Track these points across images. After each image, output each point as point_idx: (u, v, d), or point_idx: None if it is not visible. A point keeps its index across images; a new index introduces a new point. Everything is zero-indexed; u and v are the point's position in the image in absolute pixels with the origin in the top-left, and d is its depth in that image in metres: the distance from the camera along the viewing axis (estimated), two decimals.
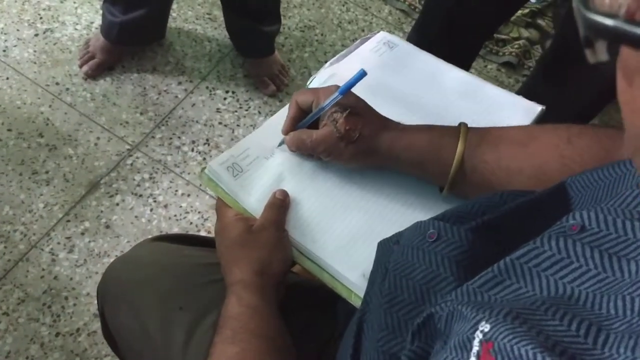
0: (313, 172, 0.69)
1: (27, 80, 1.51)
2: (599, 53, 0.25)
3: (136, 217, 1.35)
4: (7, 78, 1.51)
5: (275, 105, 1.60)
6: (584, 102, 1.29)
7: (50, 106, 1.48)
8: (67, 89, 1.51)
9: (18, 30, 1.60)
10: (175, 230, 1.35)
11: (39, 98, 1.49)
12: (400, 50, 0.84)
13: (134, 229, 1.34)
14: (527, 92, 1.08)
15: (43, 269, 1.25)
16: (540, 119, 0.77)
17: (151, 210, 1.37)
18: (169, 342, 0.66)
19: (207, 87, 1.59)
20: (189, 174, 1.44)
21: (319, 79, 0.78)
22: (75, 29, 1.63)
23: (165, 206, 1.38)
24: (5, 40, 1.57)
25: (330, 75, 0.78)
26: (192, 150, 1.48)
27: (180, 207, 1.39)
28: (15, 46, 1.56)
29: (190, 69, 1.61)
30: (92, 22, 1.65)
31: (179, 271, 0.72)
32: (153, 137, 1.48)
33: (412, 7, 1.89)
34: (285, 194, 0.66)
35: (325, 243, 0.64)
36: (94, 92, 1.52)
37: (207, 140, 1.50)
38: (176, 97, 1.56)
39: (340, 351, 0.56)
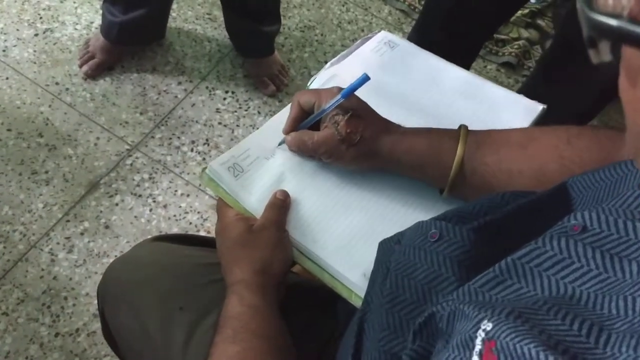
0: (314, 172, 0.69)
1: (26, 80, 1.51)
2: (603, 53, 0.25)
3: (136, 217, 1.35)
4: (7, 78, 1.50)
5: (275, 106, 1.60)
6: (583, 103, 1.29)
7: (50, 106, 1.48)
8: (67, 89, 1.51)
9: (18, 30, 1.60)
10: (175, 230, 1.35)
11: (38, 98, 1.49)
12: (401, 50, 0.84)
13: (134, 229, 1.34)
14: (526, 92, 1.08)
15: (42, 269, 1.25)
16: (541, 119, 0.78)
17: (150, 210, 1.37)
18: (169, 342, 0.66)
19: (206, 87, 1.59)
20: (188, 174, 1.44)
21: (320, 80, 0.78)
22: (75, 29, 1.63)
23: (165, 206, 1.38)
24: (5, 40, 1.57)
25: (331, 76, 0.78)
26: (192, 150, 1.48)
27: (180, 207, 1.39)
28: (15, 46, 1.56)
29: (190, 69, 1.61)
30: (92, 22, 1.65)
31: (179, 271, 0.72)
32: (153, 137, 1.48)
33: (412, 7, 1.89)
34: (286, 194, 0.66)
35: (326, 243, 0.64)
36: (93, 92, 1.52)
37: (207, 140, 1.50)
38: (176, 97, 1.56)
39: (341, 351, 0.56)
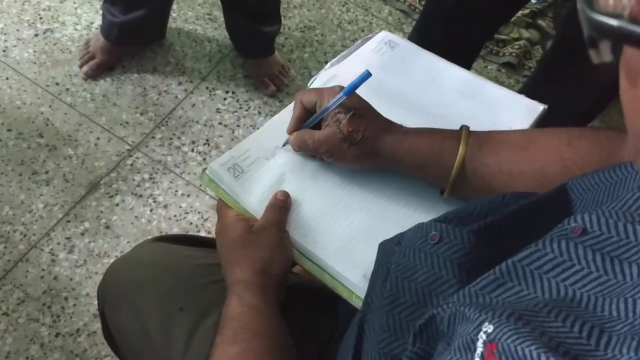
0: (314, 173, 0.69)
1: (27, 81, 1.51)
2: (603, 53, 0.25)
3: (136, 217, 1.35)
4: (7, 78, 1.50)
5: (275, 106, 1.60)
6: (584, 103, 1.29)
7: (50, 106, 1.48)
8: (67, 89, 1.51)
9: (18, 30, 1.60)
10: (175, 230, 1.35)
11: (38, 98, 1.49)
12: (401, 50, 0.84)
13: (134, 229, 1.34)
14: (527, 92, 1.08)
15: (43, 270, 1.25)
16: (542, 119, 0.78)
17: (151, 210, 1.37)
18: (169, 342, 0.66)
19: (207, 88, 1.59)
20: (189, 174, 1.44)
21: (320, 80, 0.78)
22: (75, 29, 1.63)
23: (165, 206, 1.38)
24: (5, 41, 1.57)
25: (332, 76, 0.78)
26: (192, 150, 1.48)
27: (180, 207, 1.39)
28: (15, 46, 1.56)
29: (191, 70, 1.61)
30: (92, 23, 1.65)
31: (179, 272, 0.72)
32: (153, 137, 1.48)
33: (412, 8, 1.89)
34: (286, 195, 0.66)
35: (326, 244, 0.64)
36: (94, 93, 1.52)
37: (207, 140, 1.50)
38: (176, 97, 1.56)
39: (341, 352, 0.56)
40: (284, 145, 0.70)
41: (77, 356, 1.17)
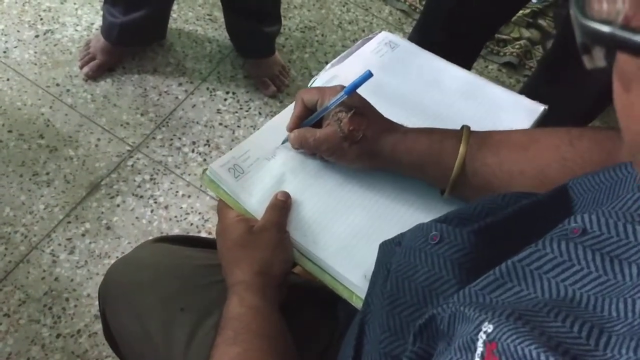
0: (314, 173, 0.69)
1: (27, 82, 1.51)
2: (597, 59, 0.25)
3: (137, 218, 1.35)
4: (8, 79, 1.51)
5: (276, 106, 1.60)
6: (585, 103, 1.29)
7: (50, 107, 1.48)
8: (68, 90, 1.51)
9: (18, 31, 1.60)
10: (176, 231, 1.36)
11: (39, 99, 1.49)
12: (401, 51, 0.84)
13: (135, 230, 1.34)
14: (528, 92, 1.08)
15: (44, 271, 1.26)
16: (542, 119, 0.77)
17: (152, 211, 1.37)
18: (170, 343, 0.66)
19: (207, 88, 1.59)
20: (189, 175, 1.44)
21: (320, 81, 0.78)
22: (76, 30, 1.63)
23: (166, 207, 1.38)
24: (6, 42, 1.57)
25: (332, 76, 0.78)
26: (193, 151, 1.48)
27: (181, 208, 1.39)
28: (15, 47, 1.57)
29: (191, 70, 1.61)
30: (92, 23, 1.65)
31: (180, 272, 0.72)
32: (154, 138, 1.48)
33: (413, 8, 1.89)
34: (287, 195, 0.66)
35: (327, 244, 0.64)
36: (94, 93, 1.52)
37: (208, 141, 1.50)
38: (177, 98, 1.56)
39: (342, 352, 0.56)
40: (283, 142, 0.70)
41: (78, 357, 1.17)
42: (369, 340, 0.50)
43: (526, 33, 1.87)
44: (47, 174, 1.38)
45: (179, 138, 1.49)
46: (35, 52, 1.57)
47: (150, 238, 0.85)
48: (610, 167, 0.47)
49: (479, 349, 0.33)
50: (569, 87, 1.24)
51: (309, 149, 0.68)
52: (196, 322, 0.67)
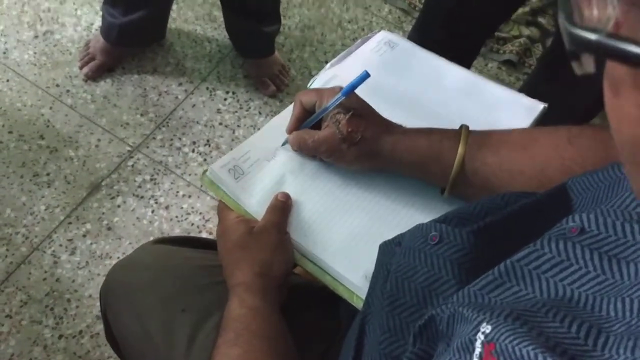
0: (314, 174, 0.69)
1: (27, 82, 1.51)
2: (586, 65, 0.25)
3: (138, 218, 1.36)
4: (8, 80, 1.51)
5: (276, 106, 1.60)
6: (585, 100, 1.29)
7: (50, 108, 1.48)
8: (68, 91, 1.52)
9: (18, 32, 1.60)
10: (177, 231, 1.36)
11: (39, 100, 1.49)
12: (401, 50, 0.84)
13: (136, 230, 1.34)
14: (528, 90, 1.08)
15: (45, 272, 1.26)
16: (542, 117, 0.77)
17: (152, 211, 1.37)
18: (171, 344, 0.67)
19: (207, 88, 1.59)
20: (189, 175, 1.44)
21: (320, 81, 0.78)
22: (75, 31, 1.63)
23: (167, 207, 1.38)
24: (5, 42, 1.57)
25: (332, 76, 0.78)
26: (193, 151, 1.48)
27: (182, 208, 1.39)
28: (15, 48, 1.57)
29: (191, 70, 1.61)
30: (91, 24, 1.65)
31: (180, 273, 0.72)
32: (154, 138, 1.48)
33: (412, 6, 1.89)
34: (287, 196, 0.66)
35: (327, 245, 0.64)
36: (94, 94, 1.52)
37: (208, 141, 1.50)
38: (176, 98, 1.56)
39: (342, 353, 0.56)
40: (283, 144, 0.70)
41: (80, 358, 1.17)
42: (369, 341, 0.50)
43: (526, 31, 1.87)
44: (48, 174, 1.38)
45: (179, 138, 1.49)
46: (35, 53, 1.57)
47: (151, 238, 0.85)
48: (609, 166, 0.47)
49: (477, 350, 0.33)
50: (568, 85, 1.24)
51: (308, 151, 0.68)
52: (197, 323, 0.67)
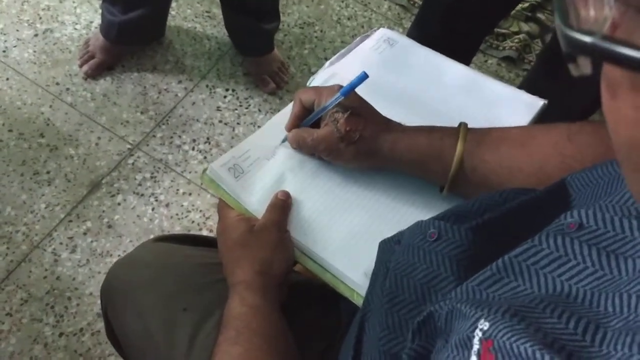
0: (314, 172, 0.69)
1: (27, 81, 1.51)
2: (582, 67, 0.25)
3: (138, 216, 1.36)
4: (7, 79, 1.51)
5: (276, 103, 1.60)
6: (584, 97, 1.29)
7: (50, 106, 1.48)
8: (68, 89, 1.52)
9: (17, 30, 1.60)
10: (177, 229, 1.36)
11: (39, 98, 1.49)
12: (400, 47, 0.84)
13: (136, 228, 1.34)
14: (527, 86, 1.08)
15: (46, 270, 1.26)
16: (542, 114, 0.77)
17: (153, 209, 1.37)
18: (172, 343, 0.67)
19: (207, 86, 1.59)
20: (190, 172, 1.44)
21: (319, 79, 0.78)
22: (75, 29, 1.63)
23: (167, 205, 1.39)
24: (5, 41, 1.57)
25: (331, 75, 0.78)
26: (193, 149, 1.48)
27: (182, 206, 1.39)
28: (15, 46, 1.57)
29: (190, 68, 1.61)
30: (91, 22, 1.65)
31: (181, 271, 0.72)
32: (154, 136, 1.48)
33: (412, 3, 1.89)
34: (287, 195, 0.66)
35: (327, 243, 0.64)
36: (94, 92, 1.52)
37: (208, 138, 1.50)
38: (176, 95, 1.56)
39: (342, 351, 0.56)
40: (282, 142, 0.71)
41: (80, 355, 1.18)
42: (368, 338, 0.50)
43: (525, 27, 1.87)
44: (48, 173, 1.38)
45: (179, 136, 1.49)
46: (35, 51, 1.57)
47: (152, 236, 0.85)
48: (608, 162, 0.47)
49: (475, 346, 0.33)
50: (568, 81, 1.24)
51: (307, 149, 0.68)
52: (198, 322, 0.67)
